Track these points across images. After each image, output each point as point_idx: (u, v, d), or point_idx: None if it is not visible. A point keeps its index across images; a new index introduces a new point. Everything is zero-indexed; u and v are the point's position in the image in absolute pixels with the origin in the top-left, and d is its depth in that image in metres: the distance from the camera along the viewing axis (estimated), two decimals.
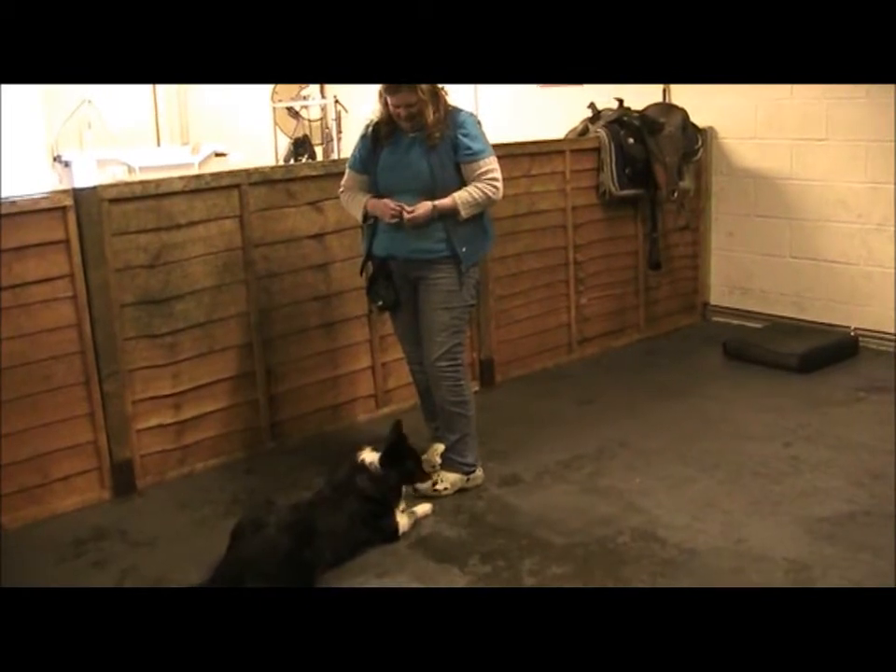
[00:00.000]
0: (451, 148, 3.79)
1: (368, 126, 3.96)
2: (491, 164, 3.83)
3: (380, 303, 4.06)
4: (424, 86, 3.68)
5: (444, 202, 3.76)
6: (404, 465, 3.73)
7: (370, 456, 3.66)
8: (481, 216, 3.90)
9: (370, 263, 4.05)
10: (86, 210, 3.92)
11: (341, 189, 4.07)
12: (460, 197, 3.78)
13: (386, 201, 3.83)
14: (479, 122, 3.93)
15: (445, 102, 3.82)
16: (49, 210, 3.86)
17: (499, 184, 3.85)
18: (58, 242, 3.88)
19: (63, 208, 3.87)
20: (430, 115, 3.72)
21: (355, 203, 3.97)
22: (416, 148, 3.81)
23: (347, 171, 4.03)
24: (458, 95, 3.90)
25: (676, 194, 6.02)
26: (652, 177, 5.83)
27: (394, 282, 3.98)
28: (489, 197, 3.82)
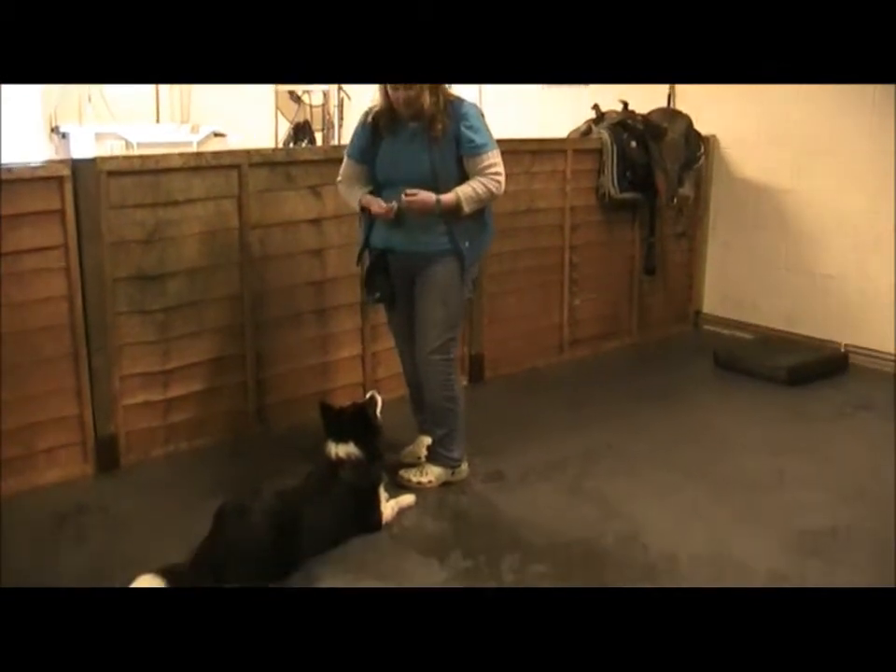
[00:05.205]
0: (453, 141, 3.73)
1: (367, 114, 3.89)
2: (494, 158, 3.78)
3: (377, 296, 4.03)
4: None
5: (448, 196, 3.71)
6: (376, 444, 3.70)
7: (343, 449, 3.61)
8: (482, 210, 3.86)
9: (366, 254, 4.02)
10: (83, 182, 3.88)
11: (339, 179, 4.00)
12: (463, 192, 3.73)
13: (379, 200, 3.77)
14: (482, 115, 3.86)
15: (445, 90, 3.75)
16: (46, 179, 3.82)
17: (502, 178, 3.80)
18: (53, 212, 3.84)
19: (61, 178, 3.83)
20: (426, 100, 3.66)
21: (352, 197, 3.92)
22: (417, 140, 3.75)
23: (346, 159, 3.96)
24: (462, 89, 3.86)
25: (675, 201, 6.02)
26: (652, 182, 5.82)
27: (391, 275, 3.95)
28: (491, 192, 3.78)
